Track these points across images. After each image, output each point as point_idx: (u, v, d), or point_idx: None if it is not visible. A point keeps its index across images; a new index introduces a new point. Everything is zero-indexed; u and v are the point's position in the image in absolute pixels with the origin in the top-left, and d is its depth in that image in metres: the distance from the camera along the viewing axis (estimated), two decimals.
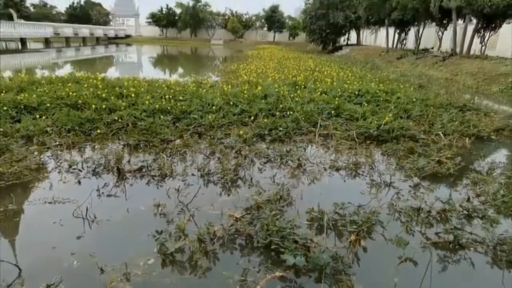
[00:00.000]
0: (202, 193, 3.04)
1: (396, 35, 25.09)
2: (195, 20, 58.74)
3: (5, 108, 5.04)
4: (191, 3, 59.27)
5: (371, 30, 29.81)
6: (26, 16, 50.29)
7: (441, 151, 4.31)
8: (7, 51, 29.56)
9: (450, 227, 2.54)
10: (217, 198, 3.01)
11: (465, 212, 2.88)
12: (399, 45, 24.74)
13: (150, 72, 17.11)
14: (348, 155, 4.24)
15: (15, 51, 29.71)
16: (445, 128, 5.25)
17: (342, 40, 36.61)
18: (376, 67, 15.64)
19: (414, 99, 6.74)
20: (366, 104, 6.20)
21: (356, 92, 7.09)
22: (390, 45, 25.78)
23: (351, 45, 34.41)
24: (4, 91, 6.12)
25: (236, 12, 61.68)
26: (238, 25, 59.12)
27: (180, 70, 20.59)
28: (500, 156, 4.62)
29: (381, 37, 30.58)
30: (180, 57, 30.89)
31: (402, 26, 23.22)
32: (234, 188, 3.19)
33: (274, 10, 60.91)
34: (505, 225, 2.72)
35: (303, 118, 5.26)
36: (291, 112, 5.45)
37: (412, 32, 23.28)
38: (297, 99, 6.26)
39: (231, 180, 3.31)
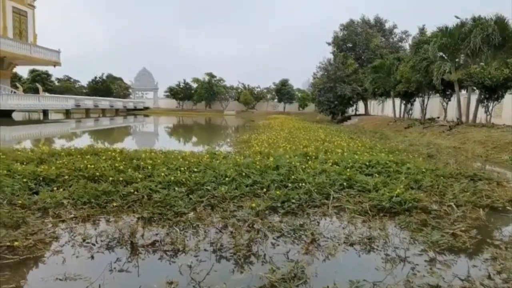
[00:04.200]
0: (214, 270, 3.00)
1: (403, 106, 25.83)
2: (210, 93, 61.91)
3: (24, 180, 5.20)
4: (206, 79, 62.84)
5: (378, 101, 30.88)
6: (51, 89, 53.72)
7: (455, 223, 4.23)
8: (29, 122, 31.08)
9: None
10: (230, 276, 2.96)
11: None
12: (406, 115, 25.34)
13: (166, 142, 17.65)
14: (362, 228, 4.18)
15: (37, 121, 31.19)
16: (457, 199, 5.19)
17: (351, 110, 37.73)
18: (385, 136, 15.91)
19: (424, 170, 6.76)
20: (377, 175, 6.23)
21: (367, 163, 7.16)
22: (397, 115, 26.46)
23: (360, 115, 35.37)
24: (25, 163, 6.37)
25: (248, 85, 64.86)
26: (250, 97, 61.84)
27: (195, 139, 21.19)
28: None
29: (388, 107, 31.47)
30: (195, 127, 31.95)
31: (407, 97, 24.04)
32: (247, 265, 3.14)
33: (284, 83, 63.98)
34: None
35: (315, 190, 5.29)
36: (303, 184, 5.50)
37: (417, 102, 23.98)
38: (308, 170, 6.34)
39: (244, 256, 3.28)
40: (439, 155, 9.69)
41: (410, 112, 25.15)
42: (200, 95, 62.20)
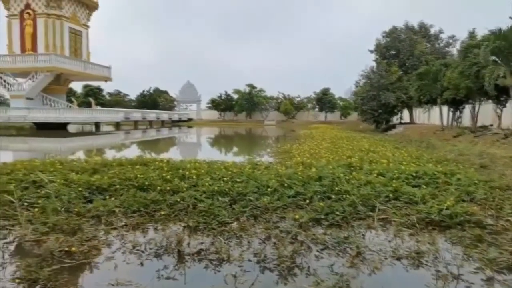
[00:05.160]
0: (259, 281, 3.02)
1: (450, 113, 24.62)
2: (250, 104, 62.70)
3: (80, 189, 5.53)
4: (247, 90, 63.75)
5: (423, 108, 29.68)
6: (102, 103, 57.05)
7: None
8: (83, 133, 33.12)
9: None
10: (274, 287, 2.97)
11: None
12: (454, 123, 24.11)
13: (208, 152, 18.11)
14: (410, 242, 4.03)
15: (90, 133, 33.15)
16: None
17: (395, 119, 36.53)
18: (432, 146, 15.19)
19: (476, 181, 6.36)
20: (424, 187, 5.97)
21: (414, 174, 6.88)
22: (444, 123, 25.22)
23: (405, 123, 34.13)
24: (80, 173, 6.79)
25: (288, 95, 64.90)
26: (290, 107, 61.81)
27: (236, 149, 21.49)
28: None
29: (434, 115, 30.12)
30: (236, 137, 32.42)
31: (455, 104, 22.88)
32: (291, 277, 3.14)
33: (325, 92, 63.36)
34: None
35: (360, 202, 5.17)
36: (348, 195, 5.39)
37: (467, 109, 22.75)
38: (353, 181, 6.21)
39: (287, 268, 3.27)
40: (494, 166, 9.08)
41: (459, 120, 23.89)
42: (241, 106, 63.18)
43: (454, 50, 32.52)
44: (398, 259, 3.55)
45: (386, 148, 12.79)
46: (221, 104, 66.12)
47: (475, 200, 5.48)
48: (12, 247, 3.83)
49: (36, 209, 4.65)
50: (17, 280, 3.06)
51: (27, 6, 32.97)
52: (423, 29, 35.55)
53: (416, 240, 4.05)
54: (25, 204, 4.92)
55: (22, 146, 21.45)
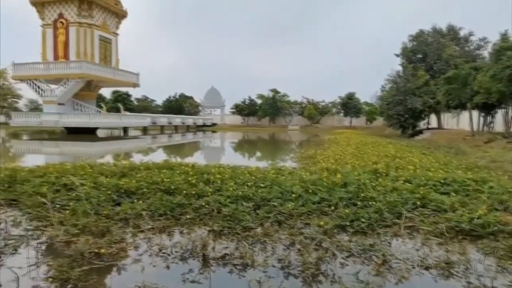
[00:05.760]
0: (283, 287, 3.02)
1: (481, 118, 23.75)
2: (274, 108, 62.70)
3: (108, 192, 5.69)
4: (270, 95, 63.83)
5: (452, 113, 28.72)
6: (130, 108, 58.62)
7: None
8: (111, 138, 34.09)
9: None
10: None
11: None
12: (485, 128, 23.23)
13: (232, 156, 18.24)
14: (438, 251, 3.91)
15: (118, 137, 34.06)
16: None
17: (422, 124, 35.58)
18: (462, 152, 14.70)
19: (510, 189, 6.11)
20: (454, 194, 5.79)
21: (442, 181, 6.68)
22: (475, 128, 24.32)
23: (432, 128, 33.19)
24: (109, 176, 6.99)
25: (312, 100, 64.48)
26: (314, 112, 61.36)
27: (259, 153, 21.52)
28: None
29: (464, 120, 29.11)
30: (259, 142, 32.47)
31: (487, 109, 22.07)
32: (316, 284, 3.11)
33: (350, 97, 62.55)
34: None
35: (386, 209, 5.07)
36: (373, 202, 5.30)
37: (499, 114, 21.88)
38: (379, 188, 6.10)
39: (312, 274, 3.25)
40: None
41: (491, 125, 22.99)
42: (264, 111, 63.27)
43: (486, 53, 31.42)
44: (427, 268, 3.46)
45: (413, 154, 12.48)
46: (245, 109, 66.45)
47: (509, 210, 5.26)
48: (45, 247, 3.98)
49: (67, 211, 4.82)
50: (50, 279, 3.18)
51: (60, 15, 34.42)
52: (452, 32, 34.54)
53: (446, 250, 3.93)
54: (57, 206, 5.11)
55: (54, 149, 22.30)
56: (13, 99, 64.97)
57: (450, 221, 4.61)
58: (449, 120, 34.09)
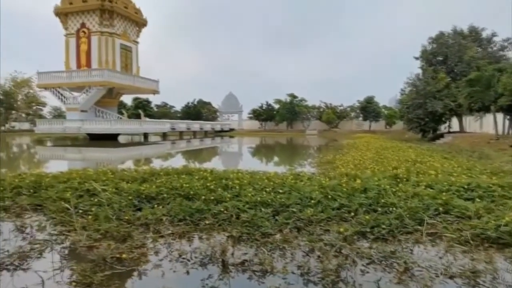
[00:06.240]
0: None
1: (506, 121, 23.02)
2: (292, 113, 62.63)
3: (130, 197, 5.79)
4: (288, 99, 63.78)
5: (475, 116, 27.94)
6: (150, 114, 59.71)
7: None
8: (132, 143, 34.73)
9: None
10: None
11: None
12: (510, 131, 22.49)
13: (250, 162, 18.26)
14: (463, 260, 3.80)
15: (138, 143, 34.68)
16: None
17: (443, 127, 34.79)
18: (486, 156, 14.27)
19: None
20: (478, 200, 5.61)
21: (465, 186, 6.49)
22: (500, 131, 23.57)
23: (454, 132, 32.38)
24: (130, 182, 7.11)
25: (330, 104, 64.04)
26: (332, 116, 60.94)
27: (277, 159, 21.49)
28: None
29: (487, 124, 28.29)
30: (277, 147, 32.43)
31: None
32: None
33: (369, 101, 61.86)
34: None
35: (407, 215, 4.97)
36: (394, 208, 5.21)
37: None
38: (399, 193, 5.99)
39: (332, 281, 3.21)
40: None
41: None
42: (282, 116, 63.25)
43: (510, 54, 30.54)
44: (451, 277, 3.36)
45: (434, 158, 12.21)
46: (262, 114, 66.60)
47: None
48: (68, 252, 4.08)
49: (90, 216, 4.93)
50: (73, 283, 3.25)
51: (83, 25, 35.47)
52: (474, 33, 33.75)
53: (471, 258, 3.82)
54: (80, 211, 5.23)
55: (77, 155, 22.88)
56: (38, 107, 67.40)
57: (475, 228, 4.48)
58: (471, 123, 33.21)
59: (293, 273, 3.44)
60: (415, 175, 7.81)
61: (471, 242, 4.20)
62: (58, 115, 62.44)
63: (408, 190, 6.16)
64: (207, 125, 55.19)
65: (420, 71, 34.24)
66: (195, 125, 51.15)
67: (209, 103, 71.69)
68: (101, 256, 3.71)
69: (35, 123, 38.74)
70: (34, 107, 66.83)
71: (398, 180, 7.33)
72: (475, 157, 13.74)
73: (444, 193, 5.87)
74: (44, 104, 66.13)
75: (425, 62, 34.04)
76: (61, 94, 35.56)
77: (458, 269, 3.50)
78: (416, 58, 35.14)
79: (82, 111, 34.34)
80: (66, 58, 36.45)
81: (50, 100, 51.85)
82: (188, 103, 70.60)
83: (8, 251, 3.97)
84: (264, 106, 67.19)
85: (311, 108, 64.99)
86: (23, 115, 68.14)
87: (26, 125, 62.28)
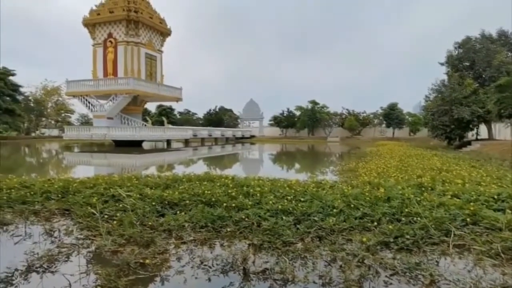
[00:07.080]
0: None
1: None
2: (313, 120, 62.28)
3: (153, 203, 5.90)
4: (309, 106, 63.50)
5: (505, 123, 26.94)
6: (173, 121, 60.83)
7: None
8: (155, 150, 35.38)
9: None
10: None
11: None
12: None
13: (271, 169, 18.24)
14: (494, 274, 3.65)
15: (162, 149, 35.29)
16: None
17: (470, 135, 33.71)
18: None
19: None
20: (510, 211, 5.40)
21: (495, 196, 6.25)
22: None
23: (482, 139, 31.29)
24: (153, 188, 7.24)
25: (353, 111, 63.31)
26: (355, 123, 60.19)
27: (298, 166, 21.36)
28: None
29: None
30: (298, 154, 32.26)
31: None
32: None
33: (392, 107, 60.80)
34: None
35: (432, 225, 4.83)
36: (419, 218, 5.08)
37: None
38: (424, 203, 5.84)
39: None
40: None
41: None
42: (303, 122, 62.96)
43: None
44: None
45: (461, 166, 11.83)
46: (283, 121, 66.50)
47: None
48: (94, 256, 4.19)
49: (115, 222, 5.05)
50: (99, 287, 3.33)
51: (110, 35, 36.60)
52: (503, 37, 32.74)
53: (502, 272, 3.67)
54: (106, 216, 5.37)
55: (103, 161, 23.48)
56: (66, 114, 69.85)
57: (506, 241, 4.30)
58: (501, 130, 32.07)
59: (314, 282, 3.41)
60: (441, 184, 7.61)
61: (502, 255, 4.03)
62: (86, 122, 64.49)
63: (433, 199, 6.00)
64: (228, 132, 55.61)
65: (445, 77, 33.44)
66: (217, 131, 51.65)
67: (230, 110, 72.29)
68: (125, 261, 3.79)
69: (64, 130, 40.07)
70: (63, 114, 69.33)
71: (423, 189, 7.15)
72: (505, 166, 13.23)
73: (472, 203, 5.67)
74: (72, 112, 68.53)
75: (451, 68, 33.27)
76: (89, 102, 36.69)
77: (488, 283, 3.38)
78: (442, 64, 34.44)
79: (108, 118, 35.30)
80: (94, 67, 37.65)
81: (78, 107, 53.73)
82: (210, 110, 71.51)
83: (37, 253, 4.11)
84: (285, 113, 67.11)
85: (333, 115, 64.41)
86: (53, 122, 70.73)
87: (55, 132, 64.55)
